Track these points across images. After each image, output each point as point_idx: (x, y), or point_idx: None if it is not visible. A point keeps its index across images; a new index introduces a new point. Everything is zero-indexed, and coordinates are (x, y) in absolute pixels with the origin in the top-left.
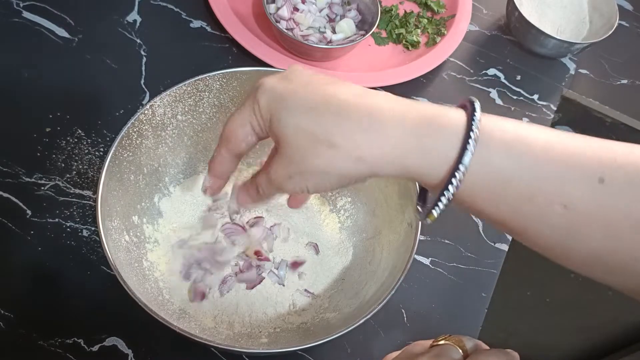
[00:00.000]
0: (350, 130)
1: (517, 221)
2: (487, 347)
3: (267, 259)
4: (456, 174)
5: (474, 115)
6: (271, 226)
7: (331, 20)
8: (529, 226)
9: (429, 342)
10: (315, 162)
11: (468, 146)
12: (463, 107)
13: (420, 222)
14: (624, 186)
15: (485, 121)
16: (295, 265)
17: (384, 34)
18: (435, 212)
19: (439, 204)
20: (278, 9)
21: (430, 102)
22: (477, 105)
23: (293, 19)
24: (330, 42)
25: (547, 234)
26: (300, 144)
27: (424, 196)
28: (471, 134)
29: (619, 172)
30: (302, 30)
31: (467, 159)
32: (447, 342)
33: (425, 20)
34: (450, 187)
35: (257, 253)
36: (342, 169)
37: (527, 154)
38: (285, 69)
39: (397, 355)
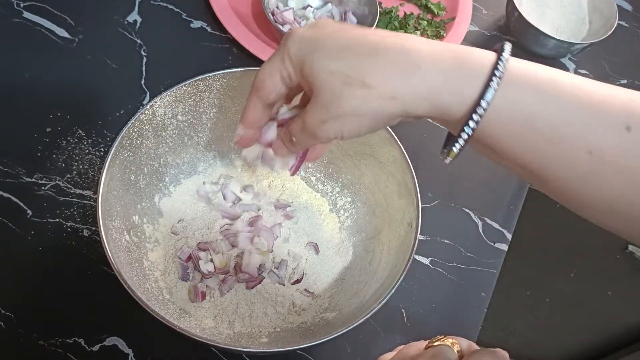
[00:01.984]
0: (384, 69)
1: (539, 164)
2: (479, 348)
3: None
4: (477, 109)
5: (502, 55)
6: (271, 226)
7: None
8: (551, 170)
9: (424, 344)
10: (348, 104)
11: (491, 83)
12: (496, 50)
13: (419, 222)
14: None
15: (516, 63)
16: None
17: None
18: (455, 149)
19: (459, 140)
20: (280, 10)
21: None
22: (508, 47)
23: (298, 22)
24: None
25: (567, 179)
26: (334, 87)
27: (451, 142)
28: (495, 72)
29: None
30: None
31: (489, 95)
32: (442, 343)
33: (425, 23)
34: (470, 122)
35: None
36: (376, 109)
37: (555, 97)
38: None
39: (392, 356)
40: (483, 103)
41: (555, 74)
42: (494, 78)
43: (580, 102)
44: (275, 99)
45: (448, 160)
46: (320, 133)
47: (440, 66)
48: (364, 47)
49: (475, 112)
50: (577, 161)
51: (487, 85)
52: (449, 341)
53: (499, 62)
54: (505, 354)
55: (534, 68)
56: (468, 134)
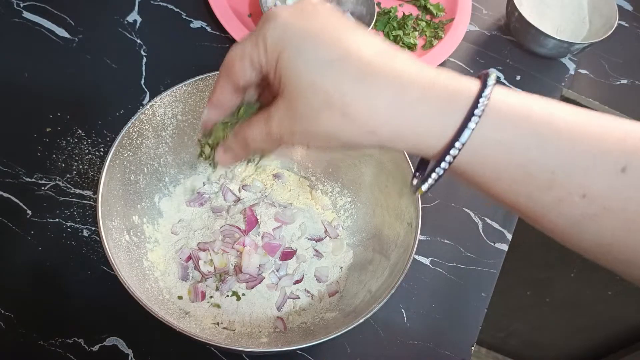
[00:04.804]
0: (369, 101)
1: (532, 208)
2: None
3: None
4: (451, 151)
5: (484, 90)
6: (274, 228)
7: None
8: (543, 213)
9: None
10: (324, 127)
11: (469, 123)
12: (480, 77)
13: (419, 222)
14: None
15: (507, 97)
16: (287, 255)
17: (381, 35)
18: (424, 187)
19: (429, 179)
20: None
21: None
22: (491, 79)
23: None
24: None
25: (561, 223)
26: (312, 101)
27: (424, 167)
28: (475, 110)
29: None
30: None
31: (464, 136)
32: None
33: (424, 23)
34: (443, 163)
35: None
36: (352, 138)
37: (552, 140)
38: None
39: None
40: (457, 144)
41: (549, 108)
42: (472, 117)
43: (575, 142)
44: (244, 84)
45: (417, 195)
46: (288, 142)
47: (430, 104)
48: (353, 66)
49: (448, 153)
50: (571, 206)
51: (464, 125)
52: None
53: (480, 99)
54: None
55: (527, 103)
56: (438, 174)
